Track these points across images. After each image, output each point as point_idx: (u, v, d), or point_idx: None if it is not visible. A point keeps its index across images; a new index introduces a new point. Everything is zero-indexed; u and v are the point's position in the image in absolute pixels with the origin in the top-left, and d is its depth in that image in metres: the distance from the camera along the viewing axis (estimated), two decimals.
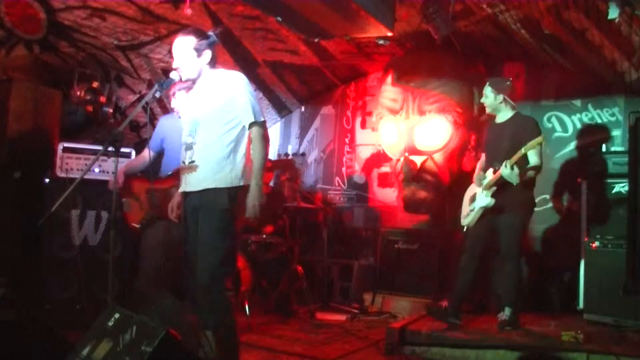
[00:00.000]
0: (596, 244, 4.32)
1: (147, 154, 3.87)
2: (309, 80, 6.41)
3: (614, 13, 3.42)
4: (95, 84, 4.78)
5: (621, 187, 4.30)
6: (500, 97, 4.08)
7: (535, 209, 4.18)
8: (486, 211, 3.99)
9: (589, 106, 5.26)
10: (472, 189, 4.26)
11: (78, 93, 4.69)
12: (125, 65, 4.99)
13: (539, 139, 3.67)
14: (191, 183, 2.90)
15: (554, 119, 5.40)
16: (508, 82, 4.13)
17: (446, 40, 4.70)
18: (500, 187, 3.90)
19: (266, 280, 5.21)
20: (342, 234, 6.42)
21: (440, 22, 4.31)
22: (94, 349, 2.33)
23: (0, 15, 3.98)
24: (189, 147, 2.92)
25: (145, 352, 2.10)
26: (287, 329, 4.61)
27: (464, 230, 4.22)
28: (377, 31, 4.19)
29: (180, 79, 2.97)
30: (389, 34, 4.22)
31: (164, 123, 4.06)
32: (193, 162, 2.89)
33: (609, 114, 5.17)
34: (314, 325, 4.77)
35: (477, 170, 4.32)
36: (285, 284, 5.16)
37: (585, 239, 4.41)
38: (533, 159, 3.91)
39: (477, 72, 5.46)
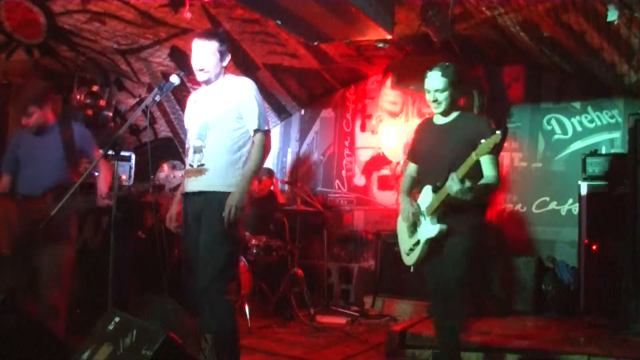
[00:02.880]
0: (596, 246, 4.32)
1: (4, 179, 3.47)
2: (308, 83, 6.42)
3: (613, 16, 3.43)
4: (95, 88, 4.78)
5: (621, 189, 4.31)
6: (450, 90, 3.00)
7: (536, 211, 4.14)
8: (435, 240, 2.93)
9: (589, 108, 5.26)
10: (406, 197, 3.22)
11: (78, 97, 4.70)
12: (125, 69, 5.00)
13: (494, 138, 2.58)
14: (197, 185, 2.89)
15: (553, 121, 5.40)
16: (452, 68, 3.05)
17: (445, 43, 4.70)
18: (448, 207, 2.88)
19: (266, 284, 5.21)
20: (342, 237, 6.42)
21: (440, 25, 4.31)
22: (94, 353, 2.32)
23: (0, 20, 3.99)
24: (198, 150, 2.90)
25: (145, 356, 2.10)
26: (287, 333, 4.60)
27: (411, 270, 3.16)
28: (376, 34, 4.20)
29: (184, 82, 2.97)
30: (389, 37, 4.23)
31: (16, 141, 3.54)
32: (203, 165, 2.88)
33: (608, 116, 5.17)
34: (314, 328, 4.76)
35: (404, 181, 3.32)
36: (286, 288, 5.16)
37: (586, 241, 4.40)
38: (487, 169, 2.87)
39: (477, 75, 5.46)
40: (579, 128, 5.30)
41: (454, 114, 3.06)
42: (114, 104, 5.09)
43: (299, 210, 5.63)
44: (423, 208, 2.97)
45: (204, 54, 2.92)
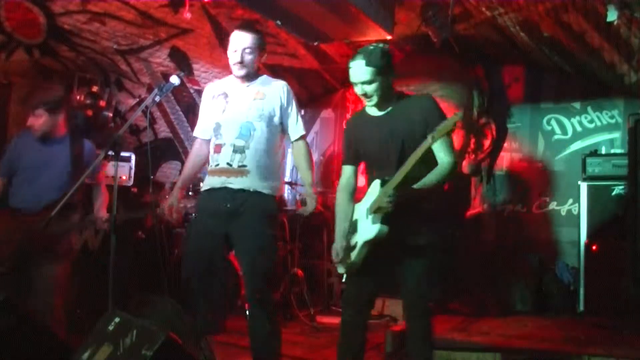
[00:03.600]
0: (596, 246, 4.32)
1: None
2: (308, 83, 6.42)
3: (612, 16, 3.43)
4: (95, 88, 4.78)
5: (621, 189, 4.31)
6: (380, 79, 2.57)
7: (536, 211, 4.13)
8: (375, 244, 2.52)
9: (589, 109, 5.27)
10: (344, 215, 2.78)
11: (78, 97, 4.70)
12: (125, 69, 5.00)
13: (454, 118, 2.25)
14: (234, 183, 2.80)
15: (553, 122, 5.40)
16: (386, 47, 2.68)
17: (445, 43, 4.70)
18: (403, 208, 2.43)
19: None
20: None
21: (440, 25, 4.31)
22: (94, 354, 2.32)
23: (0, 20, 3.99)
24: (240, 150, 2.81)
25: (145, 357, 2.10)
26: (288, 333, 4.59)
27: (343, 280, 2.82)
28: (376, 34, 4.20)
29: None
30: (389, 37, 4.22)
31: (18, 146, 3.42)
32: (245, 166, 2.80)
33: (608, 117, 5.17)
34: (314, 328, 4.76)
35: (339, 193, 2.85)
36: (286, 288, 5.15)
37: (586, 241, 4.40)
38: (443, 154, 2.50)
39: (476, 75, 5.46)
40: (578, 128, 5.30)
41: (392, 100, 2.65)
42: (114, 104, 5.09)
43: (299, 210, 5.63)
44: (368, 205, 2.55)
45: (246, 46, 2.83)
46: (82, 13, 4.16)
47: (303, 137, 2.99)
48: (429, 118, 2.47)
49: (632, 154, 3.61)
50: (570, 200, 5.15)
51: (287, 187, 6.35)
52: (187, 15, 4.15)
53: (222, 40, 4.97)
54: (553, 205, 5.28)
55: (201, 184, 3.16)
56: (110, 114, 4.98)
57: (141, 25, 4.44)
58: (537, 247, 5.23)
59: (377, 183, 2.53)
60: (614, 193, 4.37)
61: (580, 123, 5.29)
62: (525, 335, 3.86)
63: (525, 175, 5.47)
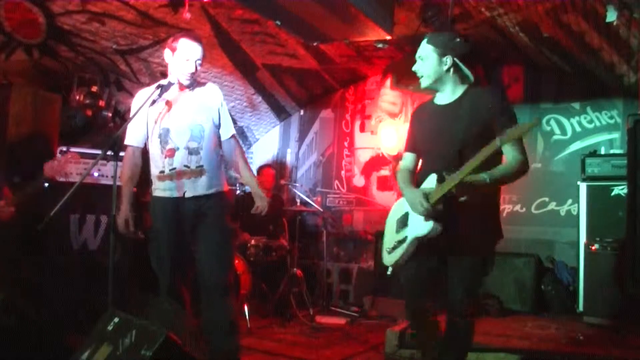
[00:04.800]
0: (595, 246, 4.33)
1: None
2: (308, 83, 6.42)
3: (612, 16, 3.43)
4: (94, 88, 4.78)
5: (620, 189, 4.31)
6: (449, 60, 2.52)
7: (535, 211, 4.12)
8: (423, 243, 2.45)
9: (588, 109, 5.27)
10: (400, 207, 2.67)
11: (77, 97, 4.69)
12: (124, 70, 5.00)
13: (527, 126, 2.18)
14: (195, 188, 2.95)
15: (552, 122, 5.40)
16: (458, 39, 2.57)
17: None
18: (451, 203, 2.35)
19: (266, 284, 5.21)
20: (342, 238, 6.42)
21: (439, 26, 4.31)
22: (94, 354, 2.32)
23: (0, 20, 3.99)
24: (195, 152, 2.95)
25: (145, 356, 2.10)
26: (287, 333, 4.60)
27: (388, 273, 2.74)
28: (376, 35, 4.20)
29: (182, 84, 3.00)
30: (388, 37, 4.23)
31: None
32: (202, 166, 2.95)
33: (607, 117, 5.18)
34: (313, 328, 4.76)
35: (400, 173, 2.72)
36: (285, 288, 5.16)
37: (585, 242, 4.41)
38: (512, 153, 2.41)
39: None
40: (578, 129, 5.30)
41: (459, 91, 2.56)
42: (113, 104, 5.09)
43: (299, 210, 5.64)
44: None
45: (198, 57, 2.96)
46: (81, 13, 4.16)
47: (234, 136, 3.16)
48: (498, 117, 2.35)
49: (631, 154, 3.60)
50: (570, 201, 5.15)
51: (289, 187, 6.35)
52: (187, 15, 4.15)
53: (222, 40, 4.97)
54: (552, 206, 5.28)
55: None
56: (110, 114, 4.98)
57: (141, 25, 4.44)
58: (537, 247, 5.23)
59: (433, 178, 2.43)
60: (613, 193, 4.37)
61: (579, 123, 5.30)
62: (525, 335, 3.86)
63: (524, 176, 5.46)
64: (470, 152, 2.28)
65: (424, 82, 2.58)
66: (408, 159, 2.74)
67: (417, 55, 2.58)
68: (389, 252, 2.65)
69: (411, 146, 2.74)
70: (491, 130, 2.32)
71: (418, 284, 2.61)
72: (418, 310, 2.65)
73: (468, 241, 2.42)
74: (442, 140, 2.49)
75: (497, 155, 2.36)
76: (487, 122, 2.38)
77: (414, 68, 2.60)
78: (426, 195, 2.39)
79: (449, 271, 2.50)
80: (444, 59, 2.52)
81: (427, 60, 2.55)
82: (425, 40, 2.57)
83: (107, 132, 4.90)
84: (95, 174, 4.27)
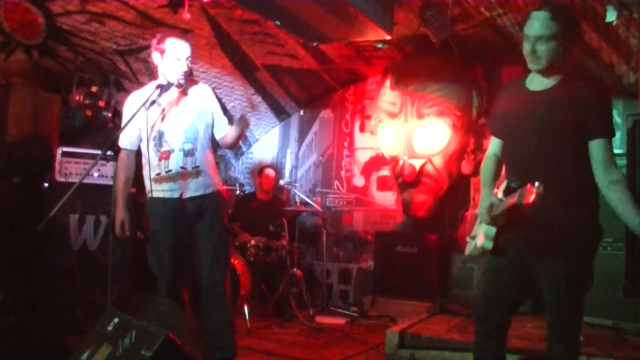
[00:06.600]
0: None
1: None
2: (307, 84, 6.42)
3: (611, 16, 3.43)
4: (94, 89, 4.78)
5: None
6: (558, 41, 2.10)
7: None
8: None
9: None
10: (485, 179, 2.42)
11: (77, 97, 4.70)
12: (124, 70, 5.00)
13: (525, 196, 1.98)
14: (193, 188, 2.99)
15: None
16: (566, 10, 2.21)
17: (444, 43, 4.71)
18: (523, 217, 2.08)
19: (265, 285, 5.21)
20: (341, 238, 6.42)
21: (439, 26, 4.31)
22: (93, 354, 2.32)
23: (0, 20, 3.99)
24: (190, 153, 2.99)
25: (144, 357, 2.10)
26: (287, 333, 4.60)
27: (467, 252, 2.44)
28: (375, 35, 4.21)
29: (179, 85, 3.00)
30: (388, 37, 4.23)
31: None
32: (198, 167, 3.00)
33: None
34: (313, 329, 4.76)
35: (485, 164, 2.45)
36: (285, 288, 5.15)
37: None
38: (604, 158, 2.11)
39: (475, 76, 5.47)
40: None
41: (556, 77, 2.17)
42: (112, 104, 5.08)
43: (299, 210, 5.65)
44: (493, 211, 2.15)
45: (188, 55, 2.99)
46: (81, 13, 4.17)
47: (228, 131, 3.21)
48: (595, 117, 2.07)
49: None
50: None
51: (289, 187, 6.35)
52: (186, 15, 4.16)
53: (221, 40, 4.97)
54: None
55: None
56: (109, 114, 4.98)
57: (140, 25, 4.44)
58: None
59: (503, 186, 2.16)
60: None
61: None
62: (525, 335, 3.86)
63: None
64: (552, 147, 2.10)
65: (539, 64, 2.14)
66: (494, 144, 2.43)
67: (535, 34, 2.12)
68: (467, 244, 2.43)
69: (496, 129, 2.43)
70: (582, 129, 2.08)
71: (496, 284, 2.29)
72: (488, 315, 2.31)
73: (559, 242, 2.10)
74: (526, 130, 2.18)
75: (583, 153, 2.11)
76: (581, 120, 2.08)
77: (536, 47, 2.12)
78: (491, 207, 2.15)
79: (538, 283, 2.18)
80: (561, 35, 2.10)
81: (553, 40, 2.10)
82: (548, 16, 2.10)
83: (106, 132, 4.90)
84: (95, 174, 4.27)
